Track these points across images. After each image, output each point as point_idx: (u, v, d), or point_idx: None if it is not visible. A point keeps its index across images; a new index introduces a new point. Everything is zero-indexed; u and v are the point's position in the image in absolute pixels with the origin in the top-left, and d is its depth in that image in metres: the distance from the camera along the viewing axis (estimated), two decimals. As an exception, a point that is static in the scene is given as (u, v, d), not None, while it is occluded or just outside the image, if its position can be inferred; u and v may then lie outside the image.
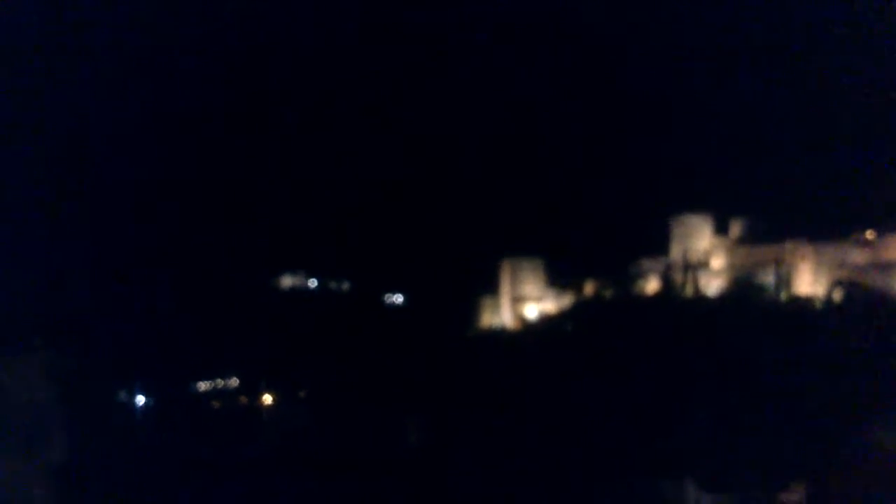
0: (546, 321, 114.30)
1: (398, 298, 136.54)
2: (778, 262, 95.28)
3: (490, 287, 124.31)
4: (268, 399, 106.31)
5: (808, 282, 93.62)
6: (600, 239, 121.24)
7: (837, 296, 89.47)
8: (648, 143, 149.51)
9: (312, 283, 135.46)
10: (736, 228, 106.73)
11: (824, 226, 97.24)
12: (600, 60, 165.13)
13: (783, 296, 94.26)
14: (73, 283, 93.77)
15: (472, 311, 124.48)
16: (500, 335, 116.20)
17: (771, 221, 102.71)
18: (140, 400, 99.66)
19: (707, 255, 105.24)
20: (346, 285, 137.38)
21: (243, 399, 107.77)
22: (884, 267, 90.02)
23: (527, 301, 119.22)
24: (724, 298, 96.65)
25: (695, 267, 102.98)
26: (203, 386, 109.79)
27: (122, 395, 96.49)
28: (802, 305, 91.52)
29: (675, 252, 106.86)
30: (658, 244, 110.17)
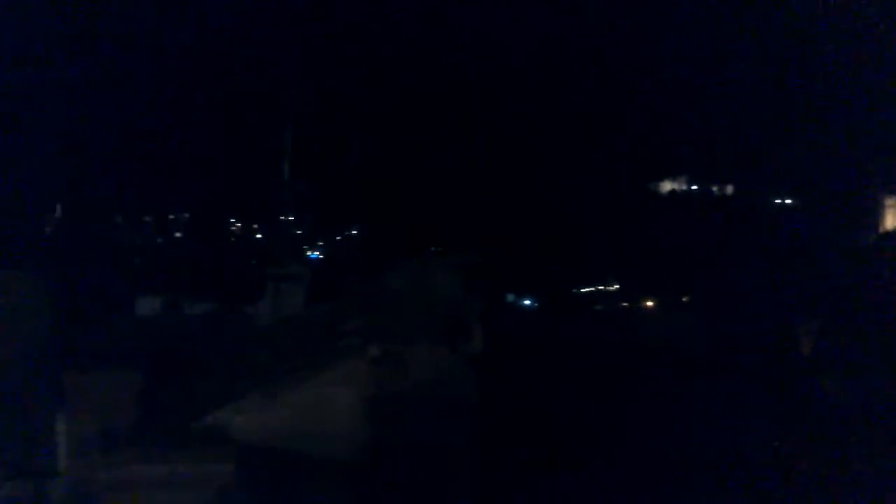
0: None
1: (787, 200, 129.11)
2: None
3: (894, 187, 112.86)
4: (649, 303, 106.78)
5: None
6: None
7: None
8: None
9: (692, 187, 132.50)
10: None
11: None
12: None
13: None
14: (486, 193, 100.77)
15: (871, 214, 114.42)
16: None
17: None
18: (526, 302, 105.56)
19: None
20: (729, 189, 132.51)
21: (624, 303, 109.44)
22: None
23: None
24: None
25: None
26: (586, 290, 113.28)
27: (511, 297, 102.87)
28: None
29: None
30: None
